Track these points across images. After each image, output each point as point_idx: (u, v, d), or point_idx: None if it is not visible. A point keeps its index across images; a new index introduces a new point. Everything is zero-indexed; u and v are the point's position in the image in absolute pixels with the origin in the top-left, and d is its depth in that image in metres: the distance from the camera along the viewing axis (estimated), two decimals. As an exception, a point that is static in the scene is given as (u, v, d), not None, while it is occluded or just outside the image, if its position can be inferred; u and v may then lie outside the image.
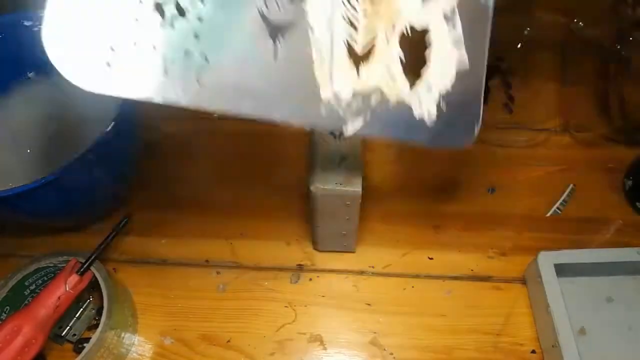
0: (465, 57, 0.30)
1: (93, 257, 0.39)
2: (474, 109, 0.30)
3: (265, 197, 0.51)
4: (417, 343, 0.44)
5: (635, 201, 0.50)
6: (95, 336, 0.38)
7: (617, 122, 0.52)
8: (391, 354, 0.43)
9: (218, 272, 0.47)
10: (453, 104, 0.30)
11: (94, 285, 0.40)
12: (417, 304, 0.45)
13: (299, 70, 0.27)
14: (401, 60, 0.29)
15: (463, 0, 0.30)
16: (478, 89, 0.31)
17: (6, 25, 0.46)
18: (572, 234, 0.49)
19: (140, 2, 0.25)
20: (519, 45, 0.60)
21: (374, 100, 0.29)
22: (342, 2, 0.28)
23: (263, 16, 0.26)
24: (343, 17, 0.28)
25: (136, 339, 0.44)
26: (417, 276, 0.47)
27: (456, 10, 0.30)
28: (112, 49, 0.24)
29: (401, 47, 0.29)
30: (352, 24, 0.28)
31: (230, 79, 0.26)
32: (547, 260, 0.42)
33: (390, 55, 0.29)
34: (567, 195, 0.51)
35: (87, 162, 0.38)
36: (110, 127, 0.39)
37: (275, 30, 0.27)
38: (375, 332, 0.44)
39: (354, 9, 0.28)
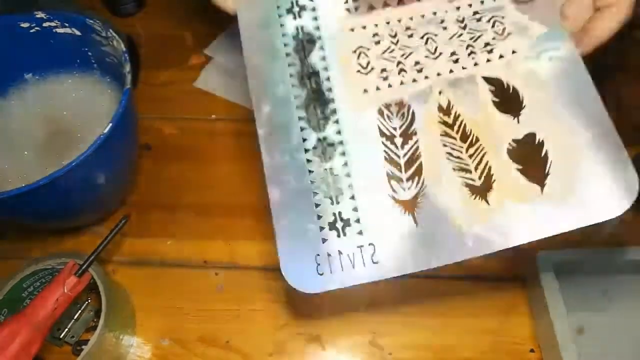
0: (587, 133, 0.34)
1: (91, 258, 0.39)
2: (616, 167, 0.33)
3: (264, 198, 0.51)
4: (416, 343, 0.44)
5: (633, 200, 0.50)
6: (93, 338, 0.37)
7: (614, 122, 0.52)
8: (390, 353, 0.43)
9: (216, 273, 0.47)
10: (592, 174, 0.33)
11: (92, 287, 0.40)
12: (416, 303, 0.45)
13: (437, 224, 0.34)
14: (520, 170, 0.34)
15: (557, 84, 0.35)
16: (611, 147, 0.33)
17: (3, 27, 0.46)
18: (571, 233, 0.48)
19: (321, 229, 0.34)
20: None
21: (506, 212, 0.33)
22: (449, 158, 0.35)
23: (396, 200, 0.35)
24: (455, 169, 0.35)
25: (135, 340, 0.44)
26: (415, 276, 0.47)
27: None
28: (317, 262, 0.34)
29: (514, 160, 0.34)
30: (463, 170, 0.35)
31: (394, 251, 0.34)
32: (546, 260, 0.42)
33: (507, 172, 0.34)
34: (565, 195, 0.51)
35: (85, 163, 0.38)
36: (108, 129, 0.38)
37: (409, 206, 0.35)
38: (374, 332, 0.44)
39: (459, 158, 0.35)
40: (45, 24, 0.46)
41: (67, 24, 0.46)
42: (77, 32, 0.47)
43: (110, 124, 0.39)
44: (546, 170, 0.34)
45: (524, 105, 0.36)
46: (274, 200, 0.35)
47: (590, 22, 0.36)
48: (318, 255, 0.34)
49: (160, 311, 0.45)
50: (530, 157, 0.34)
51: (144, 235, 0.49)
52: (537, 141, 0.35)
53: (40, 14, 0.46)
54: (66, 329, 0.43)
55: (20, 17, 0.46)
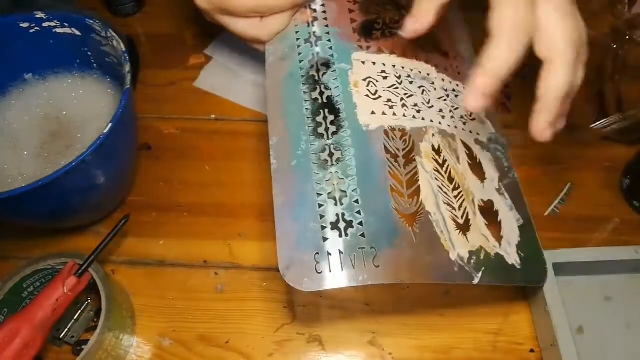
0: (518, 215, 0.41)
1: (91, 258, 0.39)
2: (538, 252, 0.40)
3: (265, 198, 0.51)
4: (416, 343, 0.44)
5: (633, 200, 0.50)
6: (93, 338, 0.37)
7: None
8: (390, 354, 0.43)
9: (216, 273, 0.47)
10: (526, 251, 0.39)
11: (92, 287, 0.40)
12: (416, 303, 0.46)
13: (432, 244, 0.36)
14: (486, 225, 0.39)
15: (502, 177, 0.42)
16: (534, 236, 0.41)
17: (2, 27, 0.46)
18: (570, 232, 0.49)
19: (323, 228, 0.35)
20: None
21: (482, 256, 0.37)
22: (440, 191, 0.38)
23: (398, 212, 0.36)
24: (444, 202, 0.37)
25: (135, 340, 0.44)
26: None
27: (501, 185, 0.42)
28: (317, 261, 0.34)
29: (482, 216, 0.39)
30: (450, 206, 0.38)
31: (393, 259, 0.34)
32: (546, 260, 0.42)
33: (479, 223, 0.38)
34: (565, 194, 0.51)
35: (85, 164, 0.38)
36: (107, 129, 0.38)
37: (409, 219, 0.36)
38: (374, 333, 0.44)
39: (447, 194, 0.38)
40: (45, 24, 0.46)
41: (66, 24, 0.46)
42: (77, 32, 0.47)
43: (110, 124, 0.39)
44: (501, 233, 0.39)
45: (485, 177, 0.42)
46: (277, 199, 0.36)
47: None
48: (317, 253, 0.34)
49: (160, 311, 0.45)
50: (491, 218, 0.39)
51: (144, 235, 0.49)
52: (494, 209, 0.40)
53: (40, 14, 0.46)
54: (66, 329, 0.42)
55: (20, 17, 0.46)
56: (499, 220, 0.39)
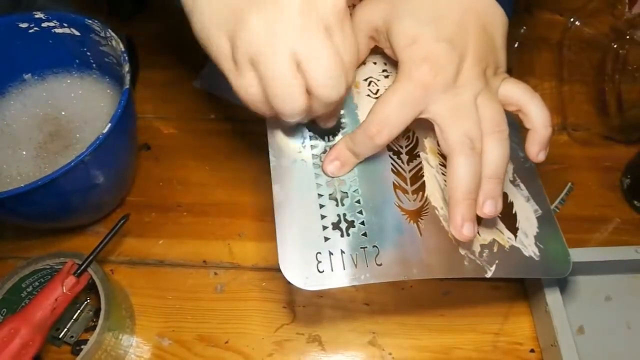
0: (536, 206, 0.40)
1: (90, 258, 0.39)
2: (559, 241, 0.38)
3: (264, 198, 0.51)
4: (416, 343, 0.44)
5: (633, 199, 0.50)
6: (92, 338, 0.37)
7: (614, 121, 0.52)
8: (390, 354, 0.43)
9: (216, 273, 0.47)
10: (545, 242, 0.38)
11: (91, 287, 0.40)
12: (416, 304, 0.45)
13: (439, 238, 0.36)
14: (500, 218, 0.38)
15: (516, 168, 0.41)
16: (554, 226, 0.39)
17: (1, 27, 0.46)
18: (570, 232, 0.48)
19: (324, 228, 0.35)
20: (515, 44, 0.60)
21: (495, 249, 0.36)
22: (445, 186, 0.37)
23: (401, 208, 0.36)
24: None
25: (134, 340, 0.44)
26: (415, 276, 0.47)
27: (516, 177, 0.40)
28: (318, 260, 0.34)
29: None
30: None
31: (397, 256, 0.34)
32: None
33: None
34: (565, 194, 0.51)
35: (84, 164, 0.38)
36: (107, 129, 0.38)
37: (414, 215, 0.36)
38: (373, 333, 0.44)
39: None
40: (44, 24, 0.46)
41: (66, 24, 0.46)
42: (76, 32, 0.47)
43: (109, 124, 0.39)
44: (517, 225, 0.38)
45: None
46: (277, 199, 0.36)
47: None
48: (319, 253, 0.34)
49: (159, 311, 0.45)
50: (506, 211, 0.38)
51: (143, 235, 0.49)
52: (509, 200, 0.39)
53: (39, 14, 0.46)
54: (65, 329, 0.42)
55: (19, 17, 0.46)
56: (513, 212, 0.39)
